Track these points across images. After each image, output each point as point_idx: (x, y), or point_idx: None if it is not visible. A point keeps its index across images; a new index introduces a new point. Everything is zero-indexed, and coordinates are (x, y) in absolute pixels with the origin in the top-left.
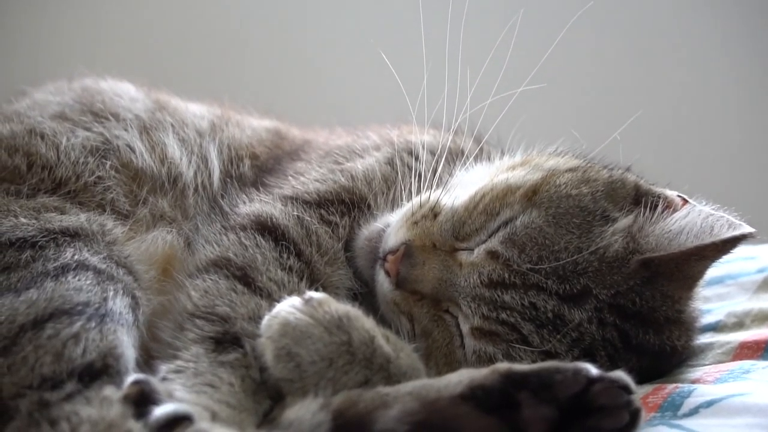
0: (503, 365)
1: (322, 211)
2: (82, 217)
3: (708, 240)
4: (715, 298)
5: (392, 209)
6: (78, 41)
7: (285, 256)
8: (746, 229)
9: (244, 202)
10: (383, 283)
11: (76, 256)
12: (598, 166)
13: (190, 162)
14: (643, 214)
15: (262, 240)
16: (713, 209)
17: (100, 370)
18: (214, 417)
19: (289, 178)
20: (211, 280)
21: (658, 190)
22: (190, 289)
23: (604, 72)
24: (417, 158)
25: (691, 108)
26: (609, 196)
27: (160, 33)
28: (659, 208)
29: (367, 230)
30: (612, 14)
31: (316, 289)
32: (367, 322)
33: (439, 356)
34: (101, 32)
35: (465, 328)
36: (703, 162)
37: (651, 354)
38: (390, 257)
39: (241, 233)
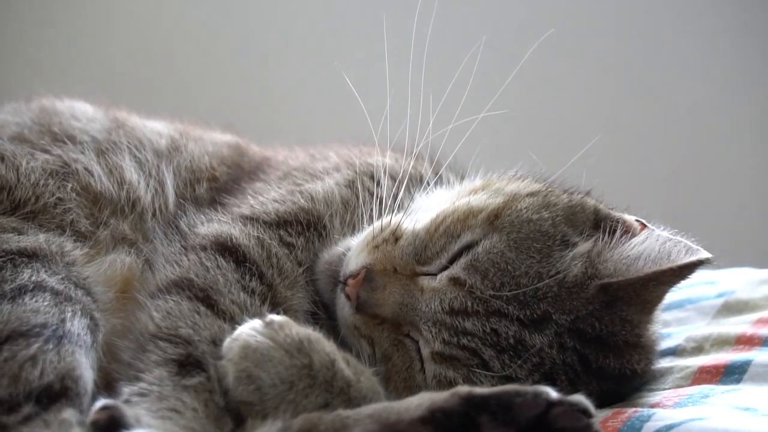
0: (464, 388)
1: (282, 233)
2: (41, 237)
3: (666, 265)
4: (674, 323)
5: (352, 233)
6: (46, 58)
7: (247, 278)
8: (704, 254)
9: (203, 223)
10: (344, 306)
11: (33, 277)
12: (558, 190)
13: (147, 185)
14: (602, 239)
15: (222, 261)
16: (671, 234)
17: (58, 393)
18: None
19: (248, 197)
20: (173, 301)
21: (617, 214)
22: (152, 310)
23: (564, 97)
24: (378, 182)
25: (650, 132)
26: (569, 221)
27: (121, 50)
28: (618, 233)
29: (327, 254)
30: (572, 40)
31: (278, 313)
32: (327, 346)
33: (398, 380)
34: (68, 49)
35: (425, 352)
36: (662, 186)
37: (611, 378)
38: (350, 281)
39: (202, 254)
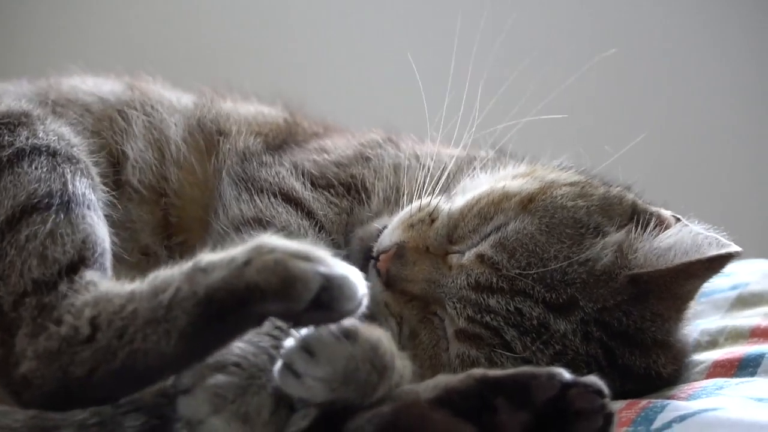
0: (478, 370)
1: (331, 192)
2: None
3: (695, 257)
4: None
5: (392, 212)
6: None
7: (317, 229)
8: (734, 248)
9: (267, 170)
10: (375, 282)
11: (30, 140)
12: (598, 182)
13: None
14: (635, 230)
15: (291, 209)
16: (704, 228)
17: (78, 262)
18: None
19: (313, 153)
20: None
21: (654, 209)
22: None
23: (612, 94)
24: (423, 166)
25: (696, 130)
26: (604, 211)
27: (176, 39)
28: (651, 226)
29: (362, 230)
30: (623, 38)
31: None
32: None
33: (425, 358)
34: (93, 33)
35: (450, 330)
36: (704, 183)
37: (636, 377)
38: (382, 256)
39: (273, 199)
